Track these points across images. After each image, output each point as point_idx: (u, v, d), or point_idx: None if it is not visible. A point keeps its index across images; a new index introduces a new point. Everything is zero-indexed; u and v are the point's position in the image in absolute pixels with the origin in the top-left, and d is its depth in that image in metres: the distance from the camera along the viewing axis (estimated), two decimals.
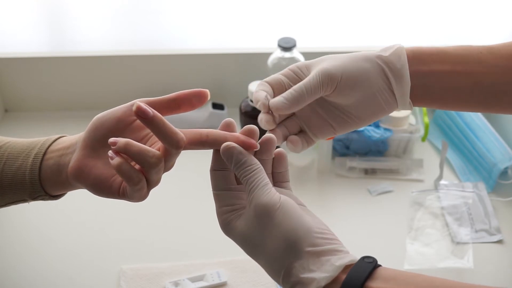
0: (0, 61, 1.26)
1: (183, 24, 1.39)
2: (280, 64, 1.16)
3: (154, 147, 0.60)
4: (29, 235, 1.02)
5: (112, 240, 1.00)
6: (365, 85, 0.63)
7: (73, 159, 0.60)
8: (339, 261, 0.53)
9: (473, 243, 1.00)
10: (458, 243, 1.00)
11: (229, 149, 0.57)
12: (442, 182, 1.12)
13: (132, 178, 0.55)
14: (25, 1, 1.35)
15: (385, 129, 1.15)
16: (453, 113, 1.23)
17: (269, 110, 0.62)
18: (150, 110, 0.54)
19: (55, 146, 0.62)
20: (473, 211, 1.06)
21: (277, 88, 0.64)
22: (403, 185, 1.13)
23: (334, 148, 1.17)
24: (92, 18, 1.36)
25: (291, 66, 0.66)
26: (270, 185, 0.56)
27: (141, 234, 1.02)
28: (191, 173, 1.12)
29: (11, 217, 1.04)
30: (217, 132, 0.59)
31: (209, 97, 0.61)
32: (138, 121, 0.61)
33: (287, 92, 0.62)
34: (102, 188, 0.59)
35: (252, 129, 0.59)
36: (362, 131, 1.14)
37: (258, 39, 1.36)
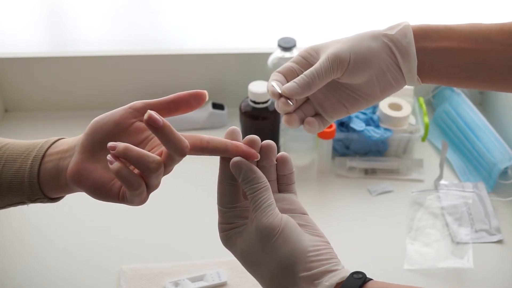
0: (0, 61, 1.26)
1: (183, 24, 1.39)
2: (280, 64, 1.16)
3: (154, 151, 0.60)
4: (29, 235, 1.02)
5: (112, 240, 1.00)
6: (373, 64, 0.66)
7: (71, 163, 0.60)
8: (330, 280, 0.54)
9: (473, 243, 1.00)
10: (458, 243, 1.00)
11: (238, 164, 0.57)
12: (442, 182, 1.12)
13: (132, 183, 0.55)
14: (25, 1, 1.35)
15: (385, 129, 1.15)
16: (453, 113, 1.23)
17: (280, 97, 0.65)
18: (160, 119, 0.54)
19: (53, 148, 0.62)
20: (473, 211, 1.06)
21: (289, 75, 0.67)
22: (403, 185, 1.13)
23: (334, 148, 1.17)
24: (92, 18, 1.36)
25: (300, 52, 0.69)
26: (274, 205, 0.56)
27: (141, 234, 1.02)
28: (191, 173, 1.12)
29: (11, 218, 1.04)
30: (218, 139, 0.59)
31: (207, 98, 0.62)
32: (136, 124, 0.61)
33: (299, 77, 0.65)
34: (101, 192, 0.59)
35: (253, 139, 0.59)
36: (362, 131, 1.14)
37: (258, 39, 1.36)
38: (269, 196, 0.57)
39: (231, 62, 1.27)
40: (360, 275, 0.54)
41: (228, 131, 0.60)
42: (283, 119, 0.68)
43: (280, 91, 0.65)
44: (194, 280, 0.92)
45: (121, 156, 0.55)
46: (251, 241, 0.56)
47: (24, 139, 0.65)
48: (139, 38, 1.38)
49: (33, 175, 0.61)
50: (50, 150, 0.62)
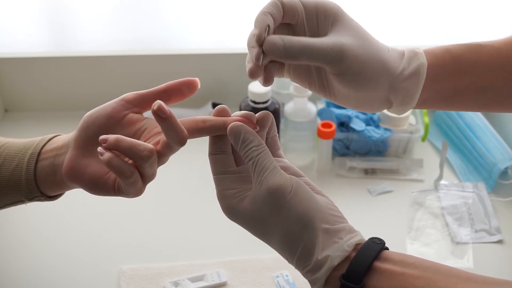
0: (0, 61, 1.26)
1: (183, 24, 1.39)
2: None
3: (149, 142, 0.59)
4: (29, 236, 1.02)
5: (112, 240, 1.00)
6: (368, 89, 0.58)
7: (66, 159, 0.60)
8: (350, 241, 0.53)
9: (473, 243, 1.00)
10: (458, 243, 1.00)
11: (237, 127, 0.56)
12: (442, 182, 1.12)
13: (124, 172, 0.55)
14: (25, 1, 1.35)
15: (385, 129, 1.15)
16: (453, 113, 1.23)
17: (262, 44, 0.55)
18: (167, 109, 0.54)
19: (49, 146, 0.62)
20: (473, 211, 1.06)
21: (290, 15, 0.56)
22: (403, 185, 1.13)
23: (334, 148, 1.17)
24: (92, 18, 1.36)
25: (319, 3, 0.57)
26: (279, 167, 0.55)
27: (141, 234, 1.02)
28: (190, 173, 1.12)
29: (11, 218, 1.04)
30: (214, 117, 0.59)
31: (199, 86, 0.61)
32: (129, 116, 0.61)
33: (290, 39, 0.54)
34: (97, 186, 0.59)
35: (249, 114, 0.58)
36: (362, 131, 1.14)
37: None
38: (272, 159, 0.56)
39: (231, 62, 1.27)
40: (379, 241, 0.54)
41: (216, 109, 0.59)
42: (247, 67, 0.58)
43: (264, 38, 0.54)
44: (194, 280, 0.92)
45: (113, 148, 0.55)
46: (262, 204, 0.54)
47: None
48: (139, 38, 1.38)
49: (30, 173, 0.61)
50: (46, 148, 0.62)
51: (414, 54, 0.59)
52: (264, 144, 0.57)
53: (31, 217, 1.04)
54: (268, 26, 0.55)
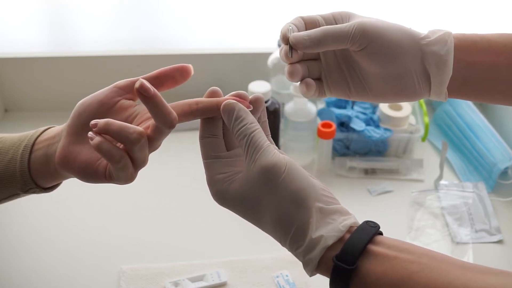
0: (0, 61, 1.26)
1: (183, 24, 1.39)
2: (280, 64, 1.16)
3: (140, 126, 0.58)
4: (29, 235, 1.02)
5: (112, 240, 1.00)
6: (398, 60, 0.60)
7: (59, 148, 0.60)
8: (344, 222, 0.53)
9: (473, 243, 1.00)
10: (458, 243, 1.00)
11: (230, 104, 0.56)
12: (442, 182, 1.12)
13: (113, 156, 0.55)
14: (25, 1, 1.35)
15: (385, 129, 1.15)
16: (453, 113, 1.23)
17: (288, 42, 0.60)
18: (152, 88, 0.54)
19: (43, 136, 0.63)
20: (473, 211, 1.06)
21: (310, 26, 0.62)
22: (403, 185, 1.13)
23: (334, 148, 1.17)
24: (92, 18, 1.36)
25: (334, 11, 0.64)
26: (272, 147, 0.55)
27: (141, 234, 1.02)
28: (191, 173, 1.11)
29: (11, 218, 1.04)
30: (207, 99, 0.58)
31: (192, 72, 0.61)
32: (120, 102, 0.61)
33: (313, 29, 0.60)
34: (89, 173, 0.59)
35: (242, 94, 0.58)
36: (362, 131, 1.14)
37: (258, 39, 1.36)
38: (265, 138, 0.55)
39: (231, 62, 1.27)
40: (374, 224, 0.53)
41: (209, 91, 0.59)
42: (285, 69, 0.62)
43: (289, 36, 0.60)
44: (194, 280, 0.92)
45: (103, 132, 0.55)
46: (255, 183, 0.54)
47: None
48: (139, 38, 1.38)
49: (24, 165, 0.61)
50: (40, 139, 0.62)
51: (436, 29, 0.62)
52: (257, 123, 0.56)
53: (31, 217, 1.04)
54: (291, 28, 0.60)
